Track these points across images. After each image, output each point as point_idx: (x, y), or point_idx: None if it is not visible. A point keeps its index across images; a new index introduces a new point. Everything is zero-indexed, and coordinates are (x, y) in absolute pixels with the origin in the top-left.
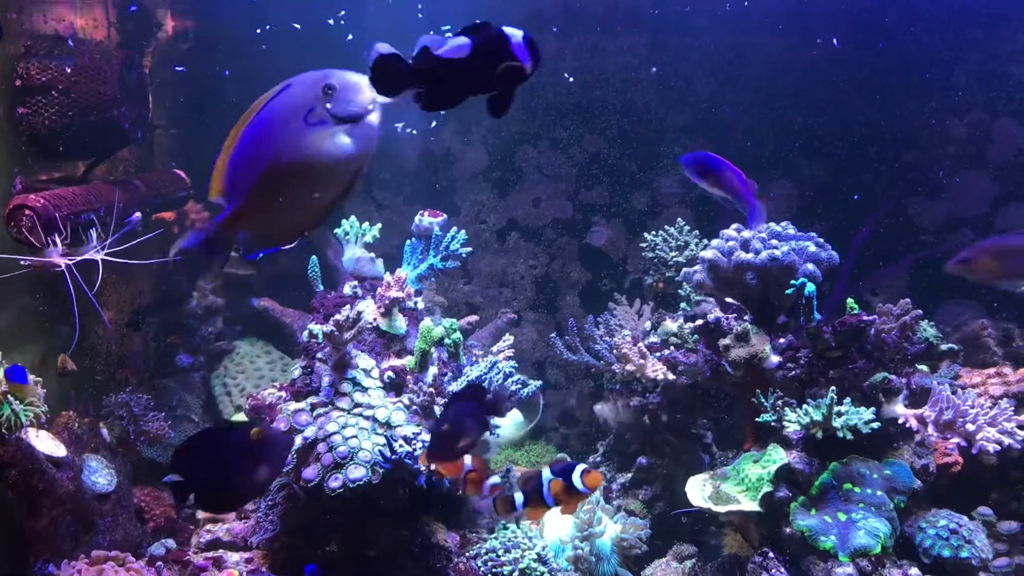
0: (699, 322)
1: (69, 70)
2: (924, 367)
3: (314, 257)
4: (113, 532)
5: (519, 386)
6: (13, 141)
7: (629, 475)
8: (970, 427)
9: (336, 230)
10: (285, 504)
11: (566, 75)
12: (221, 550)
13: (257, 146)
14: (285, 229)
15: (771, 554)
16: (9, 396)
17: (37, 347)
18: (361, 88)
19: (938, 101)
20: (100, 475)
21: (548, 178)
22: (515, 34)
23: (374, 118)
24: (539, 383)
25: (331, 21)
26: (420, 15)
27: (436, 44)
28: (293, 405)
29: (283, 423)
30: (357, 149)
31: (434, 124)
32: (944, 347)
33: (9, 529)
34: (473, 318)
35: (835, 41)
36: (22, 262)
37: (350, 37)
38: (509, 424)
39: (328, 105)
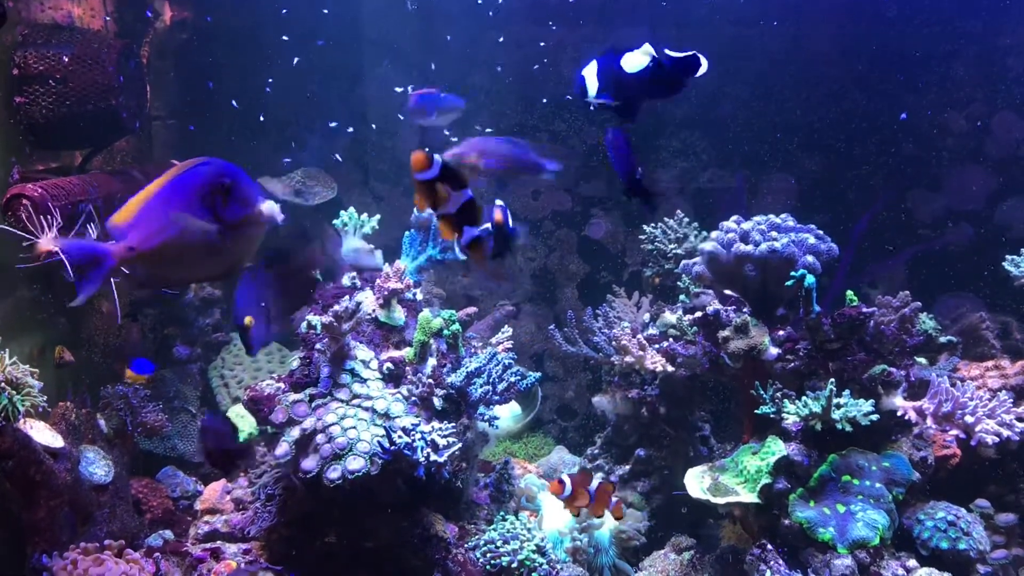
0: (698, 314)
1: (67, 59)
2: (923, 360)
3: None
4: (111, 523)
5: (518, 377)
6: (10, 130)
7: (627, 467)
8: (969, 419)
9: (335, 221)
10: (283, 495)
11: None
12: (219, 541)
13: (163, 203)
14: (165, 282)
15: (769, 546)
16: (4, 385)
17: (35, 338)
18: (250, 201)
19: (937, 94)
20: (97, 466)
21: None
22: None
23: (257, 226)
24: (538, 375)
25: (325, 10)
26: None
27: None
28: (292, 396)
29: (281, 414)
30: (230, 247)
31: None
32: (943, 340)
33: (7, 520)
34: (472, 310)
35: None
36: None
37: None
38: (507, 416)
39: (222, 202)
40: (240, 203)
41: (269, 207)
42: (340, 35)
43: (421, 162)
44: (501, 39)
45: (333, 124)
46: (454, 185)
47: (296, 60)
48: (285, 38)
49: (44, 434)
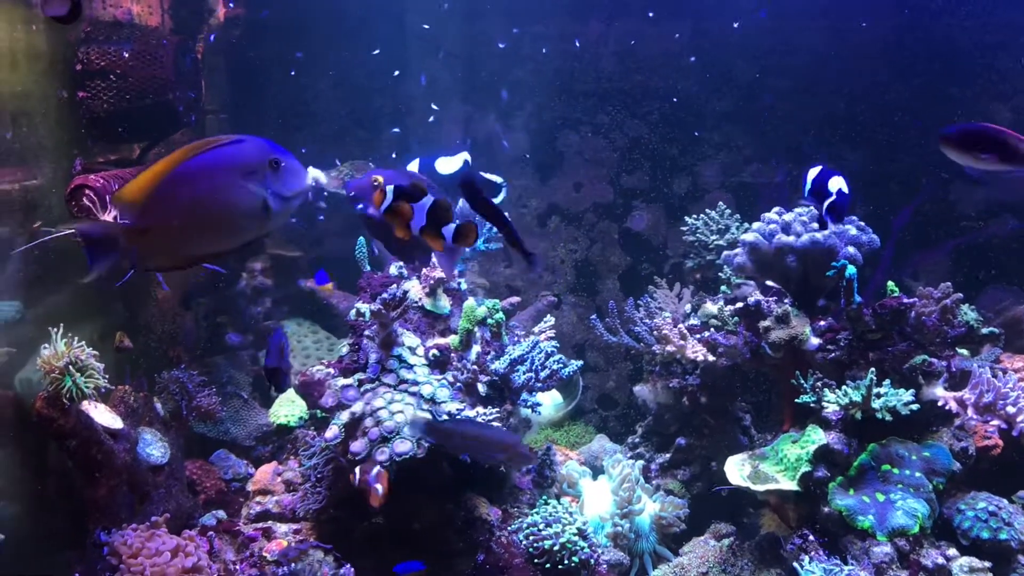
0: (739, 304)
1: (127, 55)
2: (964, 351)
3: (361, 238)
4: (166, 503)
5: (560, 365)
6: (74, 124)
7: (668, 455)
8: (1011, 409)
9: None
10: (332, 477)
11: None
12: (270, 521)
13: (194, 180)
14: (181, 259)
15: (811, 537)
16: (70, 368)
17: (94, 324)
18: (301, 175)
19: (982, 86)
20: (154, 447)
21: (589, 163)
22: None
23: (296, 202)
24: (579, 363)
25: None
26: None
27: None
28: (341, 381)
29: (331, 398)
30: (272, 219)
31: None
32: (985, 331)
33: (70, 498)
34: (515, 299)
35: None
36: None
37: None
38: (549, 405)
39: (270, 177)
40: (292, 175)
41: (314, 175)
42: (386, 32)
43: (377, 200)
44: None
45: (396, 130)
46: (413, 199)
47: (340, 56)
48: (299, 55)
49: (104, 416)
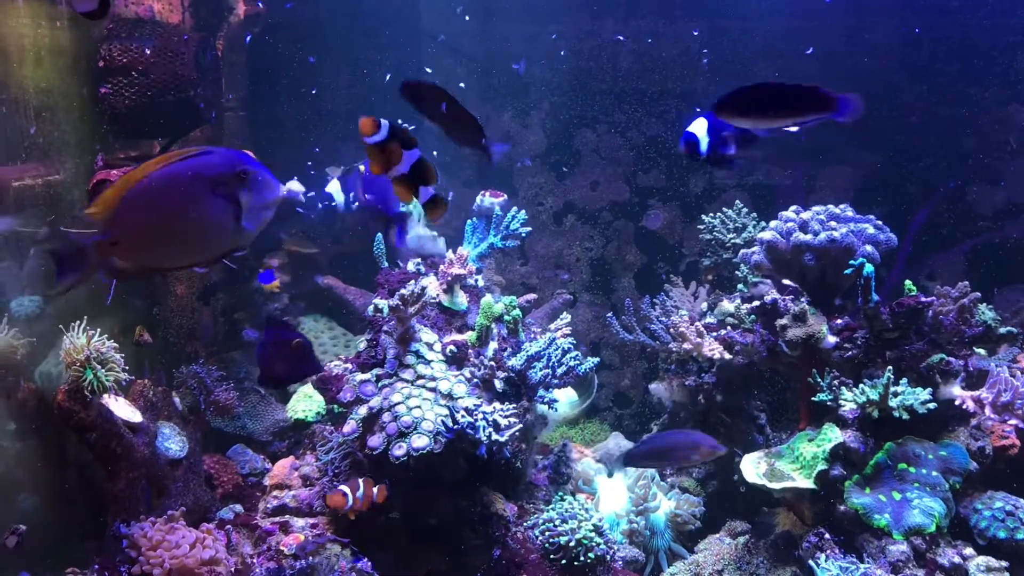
0: (756, 303)
1: (149, 52)
2: (982, 350)
3: (379, 235)
4: (184, 496)
5: (577, 361)
6: (95, 120)
7: None
8: None
9: (401, 209)
10: (350, 472)
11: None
12: (287, 515)
13: (160, 192)
14: (150, 269)
15: (827, 535)
16: (91, 361)
17: (114, 319)
18: (272, 186)
19: (1000, 86)
20: (173, 441)
21: (606, 161)
22: None
23: (268, 213)
24: (596, 360)
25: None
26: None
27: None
28: (359, 376)
29: (349, 393)
30: (243, 232)
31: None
32: (1003, 330)
33: (91, 490)
34: (531, 296)
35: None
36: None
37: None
38: (564, 402)
39: (239, 189)
40: (262, 187)
41: (288, 188)
42: (402, 31)
43: (368, 126)
44: (554, 36)
45: (412, 127)
46: (404, 146)
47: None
48: (312, 60)
49: (124, 409)
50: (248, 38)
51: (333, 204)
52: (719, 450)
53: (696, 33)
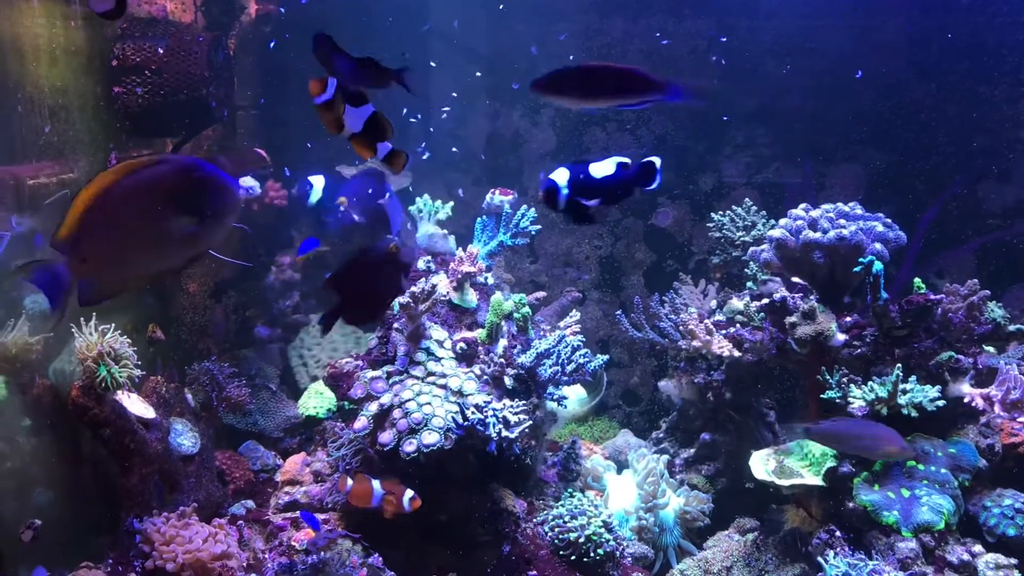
0: (765, 300)
1: (162, 51)
2: (991, 348)
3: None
4: (196, 492)
5: (586, 359)
6: (109, 119)
7: (692, 450)
8: None
9: (410, 207)
10: (360, 468)
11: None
12: (299, 511)
13: (115, 206)
14: (122, 283)
15: (837, 532)
16: (105, 357)
17: (127, 316)
18: (229, 191)
19: (1010, 85)
20: (185, 437)
21: None
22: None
23: (229, 219)
24: (605, 357)
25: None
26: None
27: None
28: (370, 373)
29: (360, 389)
30: (202, 239)
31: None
32: (1012, 328)
33: (104, 485)
34: (540, 294)
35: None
36: None
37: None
38: (573, 400)
39: (194, 196)
40: (219, 193)
41: (246, 184)
42: (412, 29)
43: (316, 87)
44: (563, 37)
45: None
46: (354, 102)
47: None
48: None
49: (137, 405)
50: (272, 44)
51: (308, 192)
52: (904, 450)
53: (713, 34)
